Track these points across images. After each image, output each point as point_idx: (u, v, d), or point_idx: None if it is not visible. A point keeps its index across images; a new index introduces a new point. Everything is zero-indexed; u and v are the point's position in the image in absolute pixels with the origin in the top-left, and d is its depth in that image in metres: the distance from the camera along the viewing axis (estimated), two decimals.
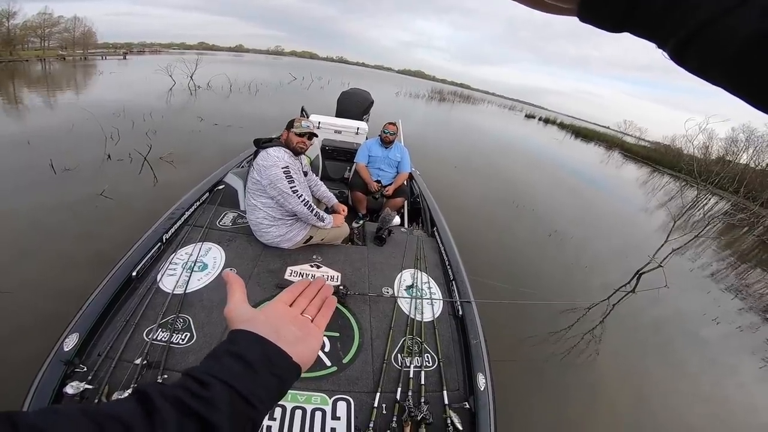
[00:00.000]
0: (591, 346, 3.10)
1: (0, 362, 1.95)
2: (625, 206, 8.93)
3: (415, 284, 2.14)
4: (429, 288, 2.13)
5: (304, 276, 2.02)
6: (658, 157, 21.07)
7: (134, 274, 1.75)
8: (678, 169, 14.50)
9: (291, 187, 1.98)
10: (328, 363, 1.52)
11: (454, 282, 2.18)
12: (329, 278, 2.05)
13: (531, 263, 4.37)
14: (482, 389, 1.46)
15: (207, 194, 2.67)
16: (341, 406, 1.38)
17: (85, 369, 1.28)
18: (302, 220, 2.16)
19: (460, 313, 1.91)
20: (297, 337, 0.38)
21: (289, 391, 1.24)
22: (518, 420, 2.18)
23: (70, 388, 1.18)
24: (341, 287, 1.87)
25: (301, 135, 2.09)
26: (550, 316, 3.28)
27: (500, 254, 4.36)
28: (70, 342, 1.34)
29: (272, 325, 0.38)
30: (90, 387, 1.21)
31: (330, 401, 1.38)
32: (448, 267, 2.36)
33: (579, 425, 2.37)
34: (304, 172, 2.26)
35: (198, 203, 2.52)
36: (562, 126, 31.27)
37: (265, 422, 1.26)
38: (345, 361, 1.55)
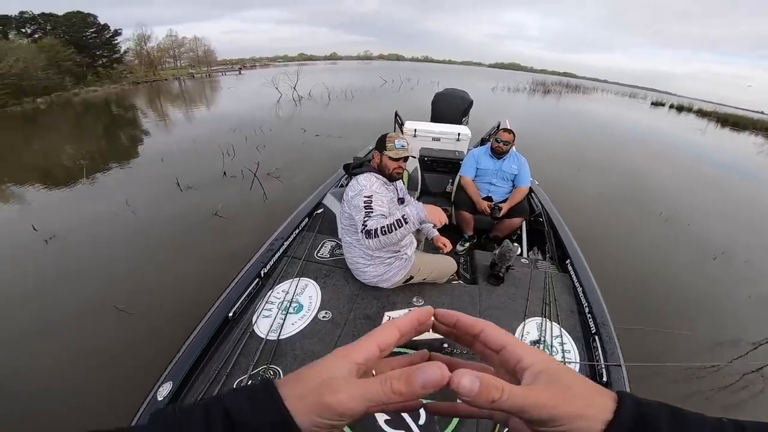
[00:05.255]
0: None
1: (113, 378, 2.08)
2: None
3: (542, 339, 1.71)
4: (561, 344, 1.70)
5: None
6: None
7: (230, 314, 1.67)
8: None
9: (363, 219, 1.60)
10: None
11: (597, 337, 1.68)
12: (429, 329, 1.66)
13: (693, 298, 3.32)
14: None
15: (306, 219, 2.55)
16: None
17: None
18: (393, 250, 1.82)
19: (604, 378, 1.50)
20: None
21: None
22: None
23: None
24: (445, 344, 1.53)
25: (397, 159, 1.76)
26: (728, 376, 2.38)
27: (647, 287, 3.39)
28: (164, 390, 1.29)
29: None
30: None
31: None
32: (589, 316, 1.81)
33: None
34: (400, 198, 1.94)
35: (297, 230, 2.40)
36: (702, 114, 25.33)
37: None
38: None
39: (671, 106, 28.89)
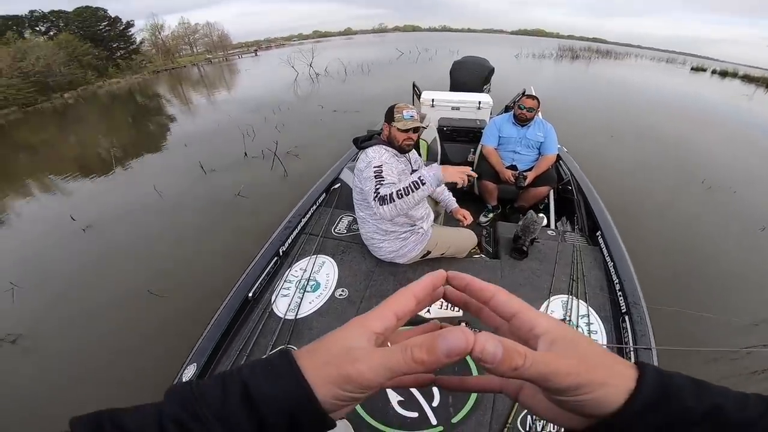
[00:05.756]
0: None
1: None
2: None
3: (568, 318, 1.60)
4: (588, 324, 1.59)
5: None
6: None
7: (250, 295, 1.69)
8: None
9: (375, 188, 1.52)
10: (434, 421, 1.23)
11: (627, 317, 1.56)
12: (447, 306, 1.63)
13: (735, 271, 3.06)
14: None
15: (324, 195, 2.52)
16: None
17: None
18: (407, 215, 1.73)
19: (633, 362, 1.30)
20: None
21: None
22: None
23: None
24: (463, 323, 1.45)
25: (406, 130, 1.66)
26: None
27: (684, 259, 3.17)
28: (188, 373, 1.33)
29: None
30: None
31: None
32: (620, 294, 1.69)
33: None
34: (413, 170, 1.85)
35: (315, 206, 2.38)
36: (748, 79, 23.14)
37: None
38: (455, 420, 1.24)
39: (714, 72, 26.52)
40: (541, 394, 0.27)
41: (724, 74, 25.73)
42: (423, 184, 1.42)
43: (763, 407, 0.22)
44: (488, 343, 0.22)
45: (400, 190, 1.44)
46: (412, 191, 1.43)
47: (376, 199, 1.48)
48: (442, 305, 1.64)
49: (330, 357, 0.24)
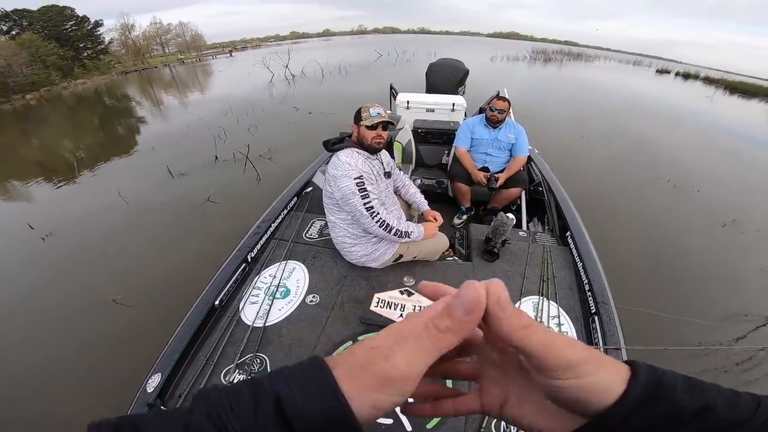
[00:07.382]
0: None
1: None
2: None
3: (539, 319, 1.60)
4: (558, 325, 1.60)
5: (393, 306, 1.67)
6: None
7: (217, 303, 1.63)
8: None
9: (365, 204, 1.60)
10: (408, 427, 1.21)
11: (597, 317, 1.57)
12: (422, 309, 1.60)
13: (699, 267, 3.19)
14: None
15: (295, 199, 2.46)
16: None
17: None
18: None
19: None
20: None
21: None
22: None
23: None
24: None
25: (373, 127, 1.63)
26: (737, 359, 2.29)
27: (651, 257, 3.28)
28: (153, 383, 1.28)
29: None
30: None
31: None
32: (589, 294, 1.71)
33: None
34: (386, 172, 1.82)
35: (286, 211, 2.31)
36: (709, 81, 24.55)
37: None
38: (429, 426, 1.22)
39: (677, 74, 28.02)
40: (528, 402, 0.27)
41: (686, 76, 27.16)
42: (410, 236, 1.75)
43: (754, 406, 0.22)
44: (503, 293, 0.22)
45: (400, 231, 1.71)
46: (398, 237, 1.73)
47: (379, 223, 1.64)
48: (417, 306, 1.64)
49: (363, 360, 0.23)
